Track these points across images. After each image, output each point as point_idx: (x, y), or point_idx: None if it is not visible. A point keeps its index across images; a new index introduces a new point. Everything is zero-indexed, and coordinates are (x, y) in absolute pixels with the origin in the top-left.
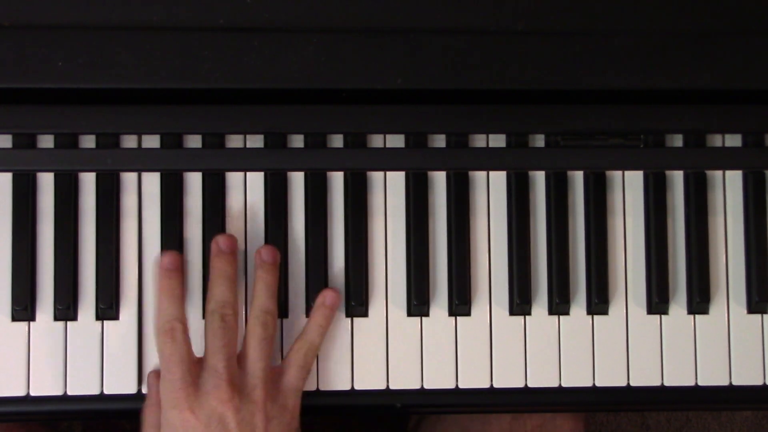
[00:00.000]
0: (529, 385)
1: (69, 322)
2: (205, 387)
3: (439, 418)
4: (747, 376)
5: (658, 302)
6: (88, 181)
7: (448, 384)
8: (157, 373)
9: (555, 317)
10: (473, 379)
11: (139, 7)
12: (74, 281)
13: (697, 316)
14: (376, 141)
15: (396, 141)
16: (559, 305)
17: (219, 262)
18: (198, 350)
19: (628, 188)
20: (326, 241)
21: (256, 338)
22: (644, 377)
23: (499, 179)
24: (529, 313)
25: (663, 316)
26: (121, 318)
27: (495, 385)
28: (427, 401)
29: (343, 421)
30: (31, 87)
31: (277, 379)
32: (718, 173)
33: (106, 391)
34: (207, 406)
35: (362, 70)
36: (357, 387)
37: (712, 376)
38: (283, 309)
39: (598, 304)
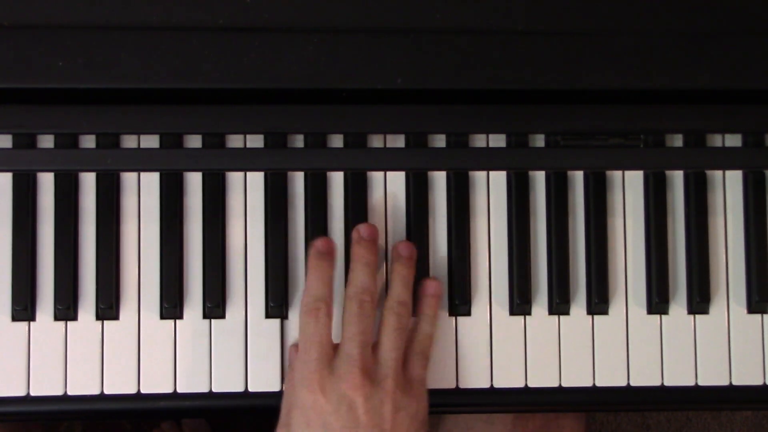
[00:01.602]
0: (530, 385)
1: (69, 322)
2: (338, 371)
3: (441, 419)
4: (747, 376)
5: (658, 302)
6: (88, 181)
7: (449, 384)
8: (297, 348)
9: (555, 317)
10: (473, 379)
11: (139, 7)
12: (74, 281)
13: (697, 316)
14: (376, 141)
15: (396, 141)
16: (559, 305)
17: (360, 249)
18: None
19: (628, 188)
20: None
21: (390, 328)
22: (644, 377)
23: (499, 179)
24: (530, 313)
25: (663, 316)
26: (121, 318)
27: (495, 385)
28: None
29: None
30: (31, 87)
31: (405, 372)
32: (718, 173)
33: (106, 391)
34: (338, 390)
35: (362, 70)
36: None
37: (712, 376)
38: (283, 309)
39: (598, 304)
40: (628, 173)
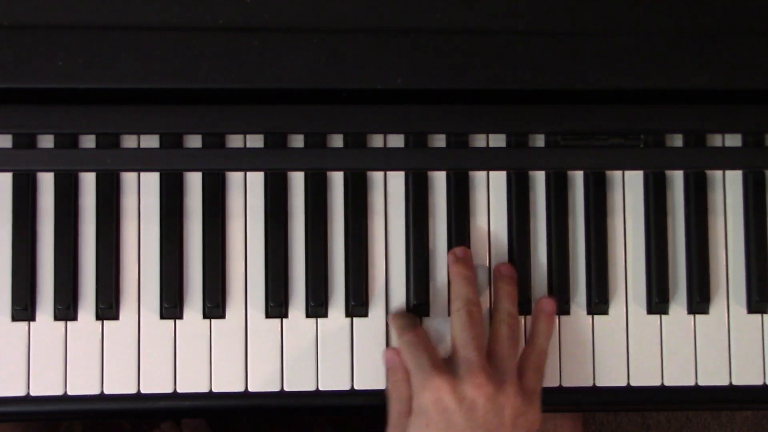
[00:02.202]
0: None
1: (69, 322)
2: (459, 373)
3: None
4: (747, 376)
5: (658, 302)
6: (88, 181)
7: None
8: (395, 350)
9: (555, 317)
10: None
11: (139, 7)
12: (74, 281)
13: (697, 316)
14: (376, 141)
15: (396, 141)
16: (559, 305)
17: (459, 267)
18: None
19: (628, 188)
20: (326, 241)
21: (504, 337)
22: (644, 377)
23: (499, 179)
24: (530, 313)
25: (663, 316)
26: (121, 318)
27: None
28: None
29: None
30: (31, 87)
31: (521, 383)
32: (718, 173)
33: (106, 391)
34: (461, 390)
35: (362, 70)
36: (357, 387)
37: (712, 376)
38: (283, 309)
39: (598, 303)
40: (628, 173)
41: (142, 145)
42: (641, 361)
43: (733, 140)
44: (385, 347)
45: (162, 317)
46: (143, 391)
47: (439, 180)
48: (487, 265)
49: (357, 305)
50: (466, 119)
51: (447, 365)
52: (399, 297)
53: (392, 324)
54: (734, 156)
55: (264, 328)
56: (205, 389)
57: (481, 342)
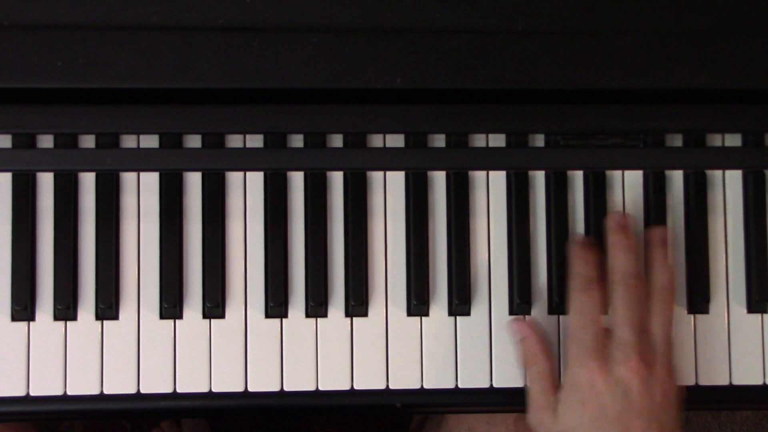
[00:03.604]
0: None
1: (69, 322)
2: (614, 354)
3: (443, 418)
4: (747, 376)
5: None
6: (87, 181)
7: (448, 384)
8: (525, 322)
9: (555, 317)
10: (473, 379)
11: (139, 7)
12: (74, 281)
13: (697, 315)
14: (376, 141)
15: (396, 141)
16: (558, 305)
17: (618, 236)
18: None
19: (628, 188)
20: (326, 241)
21: (660, 316)
22: None
23: (499, 179)
24: (529, 313)
25: None
26: (121, 318)
27: (495, 385)
28: (427, 401)
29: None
30: (31, 87)
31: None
32: (718, 173)
33: (105, 391)
34: (615, 373)
35: (362, 70)
36: (357, 387)
37: (713, 376)
38: (283, 309)
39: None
40: (628, 173)
41: (142, 145)
42: None
43: (733, 140)
44: (384, 347)
45: (162, 317)
46: (143, 391)
47: (439, 180)
48: (487, 265)
49: (357, 305)
50: (466, 119)
51: (605, 345)
52: (399, 297)
53: (574, 270)
54: (734, 156)
55: (264, 328)
56: (205, 389)
57: (639, 321)
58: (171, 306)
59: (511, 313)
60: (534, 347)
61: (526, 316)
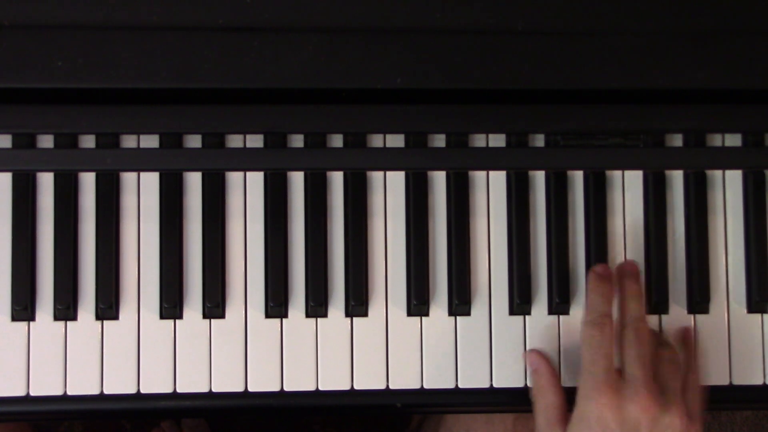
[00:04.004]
0: (529, 384)
1: (69, 322)
2: (624, 392)
3: (442, 418)
4: (747, 376)
5: (657, 301)
6: (87, 181)
7: (448, 384)
8: (540, 354)
9: (555, 317)
10: (473, 378)
11: (139, 7)
12: (74, 281)
13: (697, 315)
14: (376, 141)
15: (396, 141)
16: (559, 305)
17: (628, 282)
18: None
19: (628, 188)
20: (326, 241)
21: (667, 360)
22: None
23: (499, 179)
24: (529, 313)
25: (663, 315)
26: (121, 318)
27: (495, 385)
28: (427, 401)
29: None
30: (31, 87)
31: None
32: (718, 173)
33: (105, 391)
34: (625, 410)
35: (362, 70)
36: (357, 387)
37: (712, 376)
38: (283, 309)
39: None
40: (628, 173)
41: (142, 145)
42: None
43: (733, 140)
44: (384, 347)
45: (162, 317)
46: (143, 391)
47: (439, 180)
48: (487, 265)
49: (357, 305)
50: (466, 119)
51: (617, 380)
52: (399, 297)
53: (589, 303)
54: (734, 156)
55: (264, 328)
56: (205, 389)
57: (647, 360)
58: (171, 306)
59: (511, 313)
60: (545, 379)
61: (540, 349)
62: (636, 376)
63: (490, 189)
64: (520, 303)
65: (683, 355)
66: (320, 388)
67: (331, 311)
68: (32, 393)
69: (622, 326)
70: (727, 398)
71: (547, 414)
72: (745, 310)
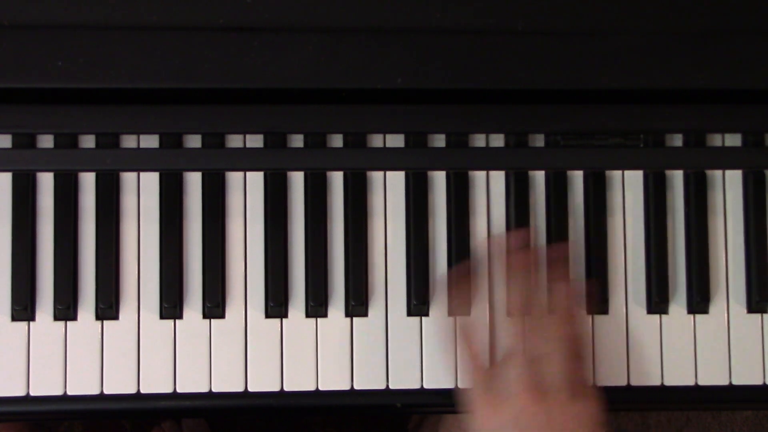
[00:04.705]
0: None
1: (69, 322)
2: (503, 388)
3: (441, 418)
4: (747, 375)
5: (658, 302)
6: (87, 181)
7: (448, 384)
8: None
9: None
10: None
11: (139, 7)
12: (74, 281)
13: (697, 315)
14: (376, 141)
15: (396, 141)
16: None
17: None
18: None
19: (628, 188)
20: (326, 241)
21: (557, 341)
22: (645, 377)
23: (498, 179)
24: (529, 313)
25: (663, 315)
26: (121, 318)
27: None
28: (427, 401)
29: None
30: (31, 87)
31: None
32: (718, 173)
33: (106, 391)
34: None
35: (362, 70)
36: (357, 387)
37: (712, 376)
38: (283, 309)
39: (598, 303)
40: (628, 173)
41: (142, 145)
42: (641, 360)
43: (733, 140)
44: (384, 347)
45: (162, 317)
46: (143, 391)
47: (439, 180)
48: (487, 265)
49: (357, 305)
50: (466, 119)
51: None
52: (399, 297)
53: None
54: (734, 156)
55: (264, 328)
56: (205, 389)
57: (534, 351)
58: (171, 306)
59: (509, 313)
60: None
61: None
62: (517, 369)
63: (490, 189)
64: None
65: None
66: (320, 388)
67: (331, 311)
68: (32, 393)
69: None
70: (727, 398)
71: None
72: (745, 310)
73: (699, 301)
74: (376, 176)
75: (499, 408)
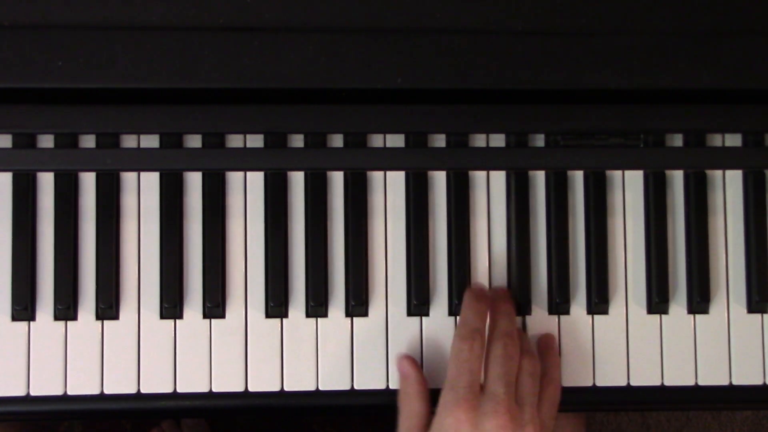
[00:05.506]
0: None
1: (69, 322)
2: (483, 408)
3: None
4: (747, 375)
5: (658, 302)
6: (88, 181)
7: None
8: (411, 360)
9: (555, 317)
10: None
11: (139, 7)
12: (74, 281)
13: (697, 315)
14: (376, 141)
15: (396, 141)
16: (559, 305)
17: (506, 305)
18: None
19: (628, 188)
20: (326, 241)
21: (526, 373)
22: (644, 377)
23: (499, 179)
24: (529, 313)
25: (663, 315)
26: (121, 318)
27: None
28: None
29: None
30: (31, 87)
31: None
32: (718, 173)
33: (106, 391)
34: (482, 427)
35: (362, 70)
36: (357, 387)
37: (712, 376)
38: (283, 309)
39: (599, 303)
40: (628, 173)
41: (142, 145)
42: (641, 360)
43: (733, 140)
44: (384, 347)
45: (162, 317)
46: (143, 391)
47: (439, 180)
48: (487, 265)
49: (357, 305)
50: (466, 119)
51: (477, 396)
52: (399, 297)
53: (463, 318)
54: (734, 156)
55: (264, 328)
56: (205, 389)
57: (512, 378)
58: (171, 306)
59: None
60: (412, 387)
61: (409, 358)
62: (497, 393)
63: (490, 189)
64: (524, 303)
65: (545, 363)
66: (320, 388)
67: (331, 311)
68: (32, 393)
69: (490, 341)
70: (727, 398)
71: (411, 421)
72: (745, 310)
73: (699, 301)
74: (376, 176)
75: (476, 422)
